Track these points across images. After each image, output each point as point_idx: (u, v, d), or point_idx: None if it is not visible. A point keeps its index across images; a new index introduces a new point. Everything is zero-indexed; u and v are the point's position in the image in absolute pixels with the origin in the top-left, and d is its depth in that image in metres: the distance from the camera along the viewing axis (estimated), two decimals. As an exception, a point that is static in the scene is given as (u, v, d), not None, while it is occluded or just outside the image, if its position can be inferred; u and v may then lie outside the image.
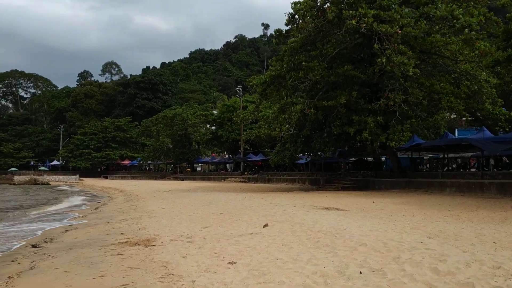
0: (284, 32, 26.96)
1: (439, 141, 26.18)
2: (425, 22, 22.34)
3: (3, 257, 10.77)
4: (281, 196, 23.30)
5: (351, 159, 39.05)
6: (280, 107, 28.14)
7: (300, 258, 7.34)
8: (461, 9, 21.92)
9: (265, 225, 11.04)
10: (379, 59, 21.43)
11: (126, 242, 10.39)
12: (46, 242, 12.27)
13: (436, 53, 24.49)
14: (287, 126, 26.48)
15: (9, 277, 8.09)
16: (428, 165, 33.74)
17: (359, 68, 24.95)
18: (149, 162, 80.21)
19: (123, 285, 6.53)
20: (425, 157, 34.70)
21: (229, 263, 7.39)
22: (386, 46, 21.52)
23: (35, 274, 8.05)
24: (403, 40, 22.54)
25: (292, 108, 25.47)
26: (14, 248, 12.20)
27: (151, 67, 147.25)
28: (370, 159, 36.10)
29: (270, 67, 29.17)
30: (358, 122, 24.23)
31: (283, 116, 26.73)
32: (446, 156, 30.89)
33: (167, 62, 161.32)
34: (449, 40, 22.85)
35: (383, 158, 34.69)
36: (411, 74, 21.09)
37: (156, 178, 68.76)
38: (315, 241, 8.69)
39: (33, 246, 11.65)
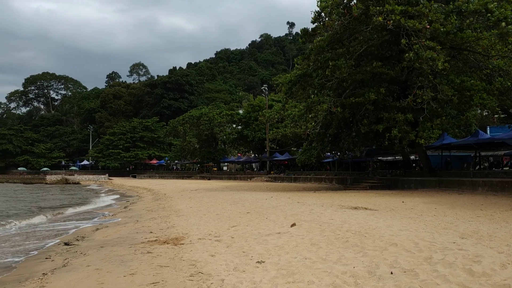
0: (310, 30, 26.78)
1: (470, 140, 25.51)
2: (456, 17, 21.78)
3: (37, 255, 11.10)
4: (308, 195, 23.17)
5: (379, 157, 38.56)
6: (306, 105, 27.98)
7: (329, 258, 7.27)
8: (495, 3, 21.26)
9: (293, 225, 10.98)
10: (407, 54, 21.03)
11: (155, 240, 10.53)
12: (78, 240, 12.57)
13: (467, 48, 23.86)
14: (313, 124, 26.30)
15: (43, 274, 8.32)
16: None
17: (387, 65, 24.56)
18: (176, 161, 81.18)
19: (153, 283, 6.62)
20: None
21: (258, 262, 7.38)
22: (414, 42, 21.09)
23: (68, 271, 8.24)
24: (432, 36, 22.04)
25: (319, 106, 25.26)
26: (48, 245, 12.55)
27: (177, 68, 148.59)
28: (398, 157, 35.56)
29: (296, 65, 29.02)
30: (387, 119, 23.83)
31: (310, 115, 26.55)
32: (477, 154, 30.07)
33: (193, 63, 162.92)
34: (481, 35, 22.20)
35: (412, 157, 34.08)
36: (440, 68, 20.58)
37: (183, 178, 69.53)
38: (344, 241, 8.59)
39: (66, 244, 11.95)
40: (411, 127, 23.98)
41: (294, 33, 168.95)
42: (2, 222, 18.14)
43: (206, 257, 8.11)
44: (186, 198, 24.92)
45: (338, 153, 32.53)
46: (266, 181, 48.51)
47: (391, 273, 6.07)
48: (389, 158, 38.49)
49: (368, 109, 24.44)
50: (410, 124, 23.93)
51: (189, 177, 69.00)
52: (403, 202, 17.38)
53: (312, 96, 27.24)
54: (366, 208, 15.07)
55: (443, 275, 5.79)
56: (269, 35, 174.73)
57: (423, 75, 22.26)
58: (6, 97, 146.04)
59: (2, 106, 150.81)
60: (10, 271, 9.45)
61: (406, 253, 7.20)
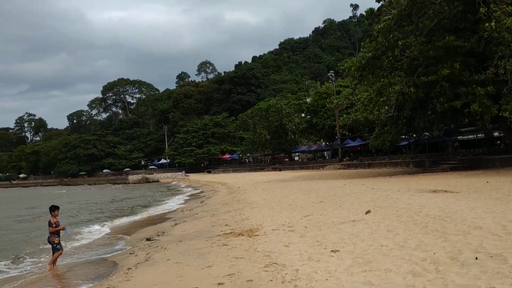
0: (375, 10, 25.78)
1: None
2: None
3: (123, 251, 11.79)
4: (383, 181, 22.44)
5: (459, 136, 36.42)
6: (377, 89, 26.98)
7: (407, 245, 6.96)
8: None
9: (368, 212, 10.68)
10: (487, 24, 19.48)
11: (230, 233, 10.73)
12: (158, 235, 13.17)
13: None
14: (386, 108, 25.27)
15: (128, 268, 8.81)
16: None
17: (461, 38, 22.97)
18: (248, 154, 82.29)
19: (229, 274, 6.73)
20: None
21: (332, 251, 7.25)
22: (494, 9, 19.49)
23: (150, 265, 8.65)
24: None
25: (390, 89, 24.23)
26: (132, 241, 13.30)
27: (243, 62, 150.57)
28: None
29: (361, 49, 28.08)
30: (465, 94, 22.24)
31: (381, 99, 25.56)
32: None
33: (258, 56, 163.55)
34: None
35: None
36: None
37: (255, 170, 70.37)
38: (422, 226, 8.18)
39: (148, 239, 12.57)
40: (493, 101, 22.23)
41: (358, 15, 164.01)
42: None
43: (280, 247, 8.12)
44: (259, 190, 25.18)
45: (414, 135, 31.11)
46: (339, 168, 47.72)
47: (476, 258, 5.67)
48: (470, 136, 36.21)
49: (444, 86, 23.05)
50: (492, 97, 22.18)
51: (261, 169, 69.69)
52: (487, 182, 16.24)
53: (382, 79, 26.23)
54: (446, 191, 14.27)
55: (536, 259, 5.31)
56: (333, 19, 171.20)
57: (504, 44, 20.54)
58: (88, 105, 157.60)
59: (85, 113, 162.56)
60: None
61: (493, 236, 6.69)
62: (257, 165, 78.31)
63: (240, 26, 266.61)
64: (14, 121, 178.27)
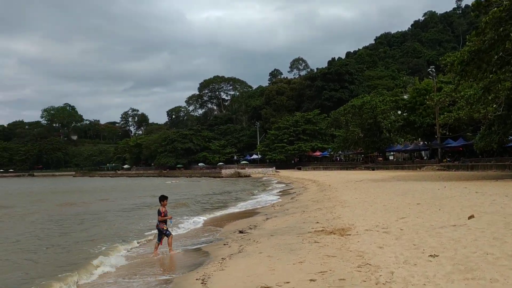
0: (483, 1, 23.87)
1: None
2: None
3: (217, 241, 12.31)
4: (488, 184, 20.78)
5: None
6: (484, 86, 24.99)
7: (517, 255, 6.41)
8: None
9: (471, 217, 9.98)
10: None
11: (321, 230, 10.68)
12: (251, 228, 13.52)
13: None
14: (494, 106, 23.26)
15: (222, 258, 9.18)
16: None
17: None
18: (339, 152, 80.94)
19: (321, 272, 6.72)
20: None
21: (430, 255, 6.91)
22: None
23: (243, 257, 8.93)
24: None
25: (500, 85, 22.28)
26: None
27: (336, 58, 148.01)
28: None
29: (467, 43, 26.16)
30: None
31: (489, 97, 23.61)
32: None
33: (352, 51, 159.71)
34: None
35: None
36: None
37: (347, 169, 68.99)
38: (535, 236, 7.47)
39: (240, 232, 12.97)
40: None
41: (463, 6, 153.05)
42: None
43: (374, 248, 7.91)
44: (351, 189, 24.68)
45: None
46: (438, 170, 45.09)
47: None
48: None
49: None
50: None
51: (353, 168, 68.15)
52: None
53: (491, 75, 24.25)
54: None
55: None
56: (434, 12, 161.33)
57: None
58: (185, 101, 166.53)
59: (182, 109, 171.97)
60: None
61: None
62: (348, 164, 76.75)
63: (335, 22, 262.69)
64: (120, 116, 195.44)
